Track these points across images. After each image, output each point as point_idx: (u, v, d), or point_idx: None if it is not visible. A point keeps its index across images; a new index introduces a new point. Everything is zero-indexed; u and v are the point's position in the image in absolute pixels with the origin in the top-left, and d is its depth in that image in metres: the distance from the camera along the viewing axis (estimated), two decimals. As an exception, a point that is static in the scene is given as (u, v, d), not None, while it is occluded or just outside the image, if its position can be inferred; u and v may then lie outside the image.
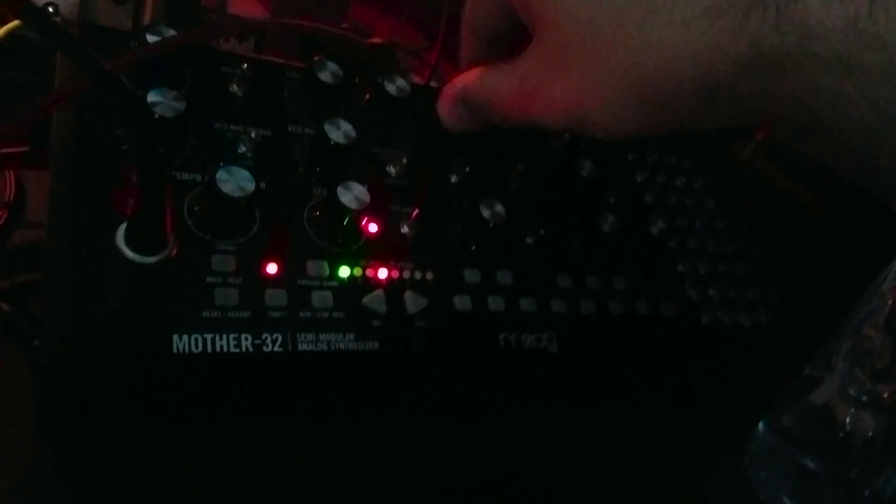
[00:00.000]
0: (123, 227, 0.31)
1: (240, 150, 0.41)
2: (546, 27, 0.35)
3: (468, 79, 0.42)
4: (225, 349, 0.34)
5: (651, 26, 0.31)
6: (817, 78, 0.29)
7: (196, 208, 0.37)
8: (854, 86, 0.28)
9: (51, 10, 0.54)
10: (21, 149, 0.49)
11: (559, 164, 0.53)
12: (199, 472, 0.39)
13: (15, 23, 0.43)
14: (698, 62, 0.31)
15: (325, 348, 0.37)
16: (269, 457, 0.40)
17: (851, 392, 0.46)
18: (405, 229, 0.44)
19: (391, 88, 0.47)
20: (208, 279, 0.36)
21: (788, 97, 0.30)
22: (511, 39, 0.41)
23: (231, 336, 0.35)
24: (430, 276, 0.43)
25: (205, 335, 0.34)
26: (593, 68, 0.34)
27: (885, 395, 0.45)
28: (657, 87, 0.32)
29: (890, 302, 0.44)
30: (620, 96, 0.33)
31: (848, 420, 0.47)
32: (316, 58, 0.44)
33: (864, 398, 0.46)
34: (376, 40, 0.79)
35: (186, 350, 0.34)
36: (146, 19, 0.57)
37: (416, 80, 0.72)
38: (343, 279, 0.40)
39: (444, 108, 0.44)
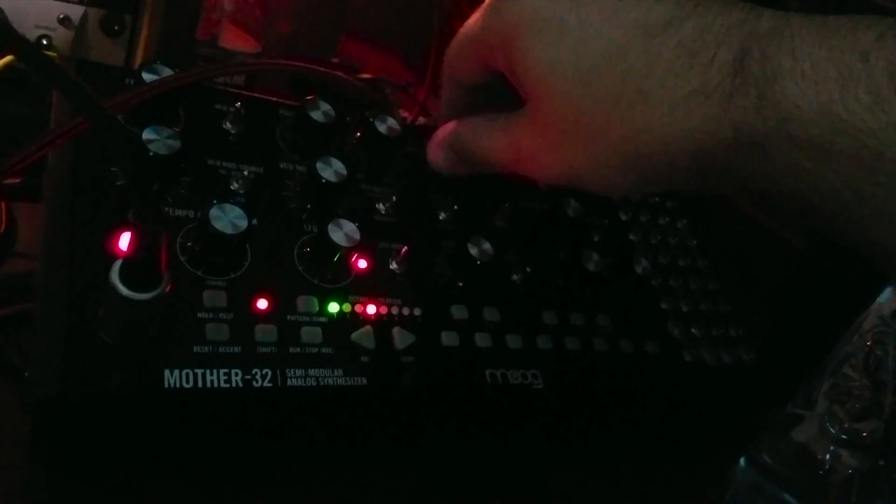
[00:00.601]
0: (118, 264, 0.31)
1: (232, 187, 0.42)
2: (539, 101, 0.36)
3: (460, 128, 0.43)
4: (215, 384, 0.35)
5: (641, 108, 0.33)
6: (797, 159, 0.30)
7: (189, 244, 0.38)
8: (830, 168, 0.29)
9: (44, 42, 0.55)
10: (13, 181, 0.49)
11: (545, 203, 0.54)
12: (190, 498, 0.39)
13: (9, 57, 0.43)
14: (687, 141, 0.32)
15: (314, 384, 0.37)
16: (258, 491, 0.41)
17: (831, 430, 0.47)
18: (394, 266, 0.44)
19: (381, 127, 0.47)
20: (199, 315, 0.36)
21: (772, 175, 0.31)
22: (495, 92, 0.42)
23: (221, 371, 0.35)
24: (417, 312, 0.43)
25: (196, 370, 0.35)
26: (588, 144, 0.35)
27: (865, 434, 0.46)
28: (650, 162, 0.34)
29: (869, 342, 0.45)
30: (615, 167, 0.35)
31: (828, 458, 0.47)
32: (309, 97, 0.45)
33: (844, 437, 0.46)
34: (366, 76, 0.80)
35: (178, 385, 0.34)
36: (139, 52, 0.58)
37: (405, 114, 0.73)
38: (332, 315, 0.40)
39: (435, 153, 0.45)
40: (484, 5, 0.39)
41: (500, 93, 0.42)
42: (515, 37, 0.36)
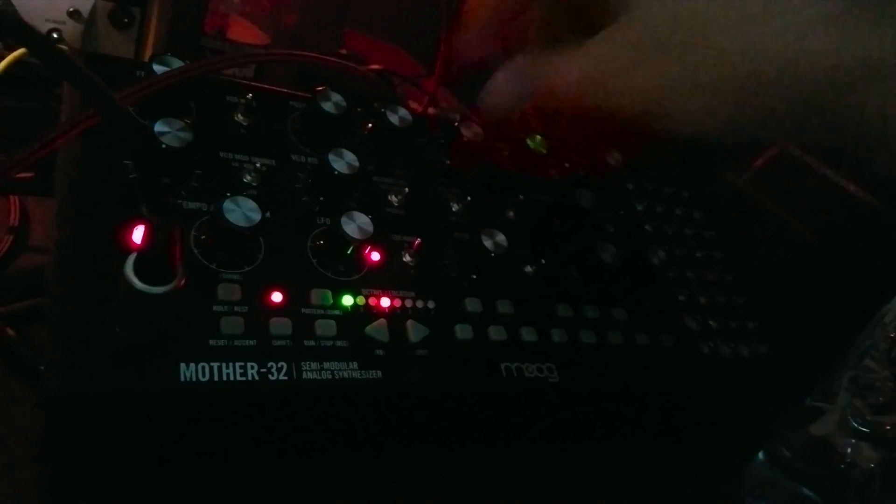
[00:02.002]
0: (133, 257, 0.31)
1: (245, 180, 0.41)
2: (629, 12, 0.34)
3: (527, 59, 0.41)
4: (231, 377, 0.34)
5: (763, 28, 0.31)
6: None
7: (202, 238, 0.38)
8: None
9: (55, 35, 0.55)
10: (26, 175, 0.49)
11: (559, 194, 0.54)
12: (205, 500, 0.39)
13: (21, 51, 0.43)
14: (810, 66, 0.30)
15: (330, 377, 0.37)
16: (274, 484, 0.40)
17: (852, 424, 0.46)
18: (407, 258, 0.44)
19: (393, 118, 0.47)
20: (214, 308, 0.36)
21: (886, 114, 0.30)
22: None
23: (237, 364, 0.35)
24: (431, 305, 0.43)
25: (211, 364, 0.34)
26: (683, 61, 0.33)
27: (887, 428, 0.46)
28: (757, 89, 0.31)
29: (892, 334, 0.45)
30: (706, 95, 0.33)
31: (848, 451, 0.47)
32: (319, 88, 0.45)
33: (865, 430, 0.46)
34: (375, 67, 0.80)
35: (193, 378, 0.34)
36: (149, 45, 0.58)
37: (414, 106, 0.73)
38: (346, 308, 0.40)
39: (498, 85, 0.42)
40: None
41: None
42: None
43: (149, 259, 0.31)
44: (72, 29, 0.56)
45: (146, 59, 0.42)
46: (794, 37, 0.30)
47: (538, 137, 0.54)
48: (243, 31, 0.73)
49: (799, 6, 0.30)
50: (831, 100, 0.30)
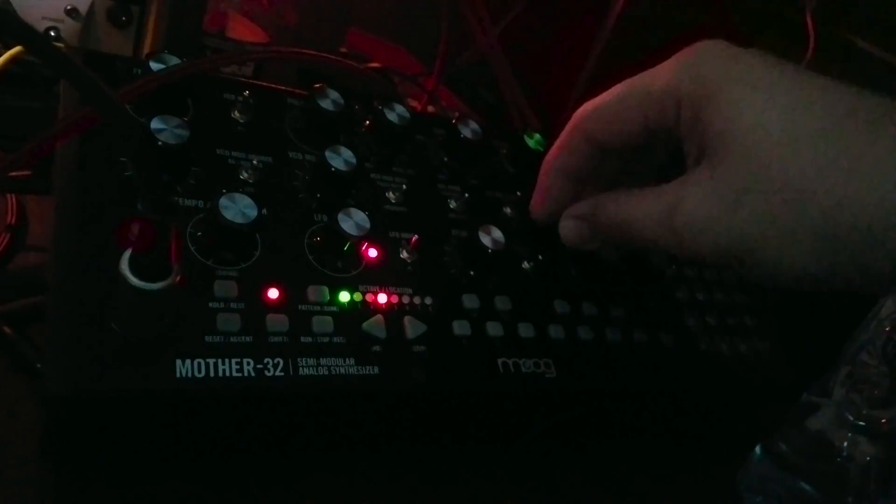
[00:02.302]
0: (128, 254, 0.31)
1: (242, 177, 0.41)
2: (726, 156, 0.35)
3: (602, 200, 0.42)
4: (227, 374, 0.35)
5: (856, 184, 0.31)
6: None
7: (199, 234, 0.38)
8: None
9: (52, 34, 0.55)
10: (24, 174, 0.49)
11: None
12: (203, 496, 0.39)
13: (17, 49, 0.43)
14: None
15: (326, 373, 0.37)
16: (271, 481, 0.40)
17: (849, 418, 0.46)
18: (404, 255, 0.44)
19: (391, 116, 0.47)
20: (210, 305, 0.36)
21: None
22: (629, 158, 0.43)
23: (233, 361, 0.35)
24: (429, 301, 0.43)
25: (207, 360, 0.34)
26: (780, 211, 0.33)
27: (883, 422, 0.46)
28: (856, 246, 0.32)
29: (888, 329, 0.45)
30: (806, 246, 0.33)
31: (845, 446, 0.47)
32: (317, 85, 0.45)
33: (862, 424, 0.46)
34: (375, 65, 0.80)
35: (189, 375, 0.34)
36: (147, 43, 0.58)
37: (414, 104, 0.73)
38: (343, 304, 0.40)
39: (568, 226, 0.44)
40: (672, 62, 0.38)
41: (636, 160, 0.43)
42: (713, 94, 0.35)
43: (145, 256, 0.31)
44: (70, 27, 0.56)
45: (144, 57, 0.42)
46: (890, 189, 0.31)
47: (536, 136, 0.54)
48: (243, 30, 0.74)
49: (886, 160, 0.31)
50: None
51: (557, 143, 0.44)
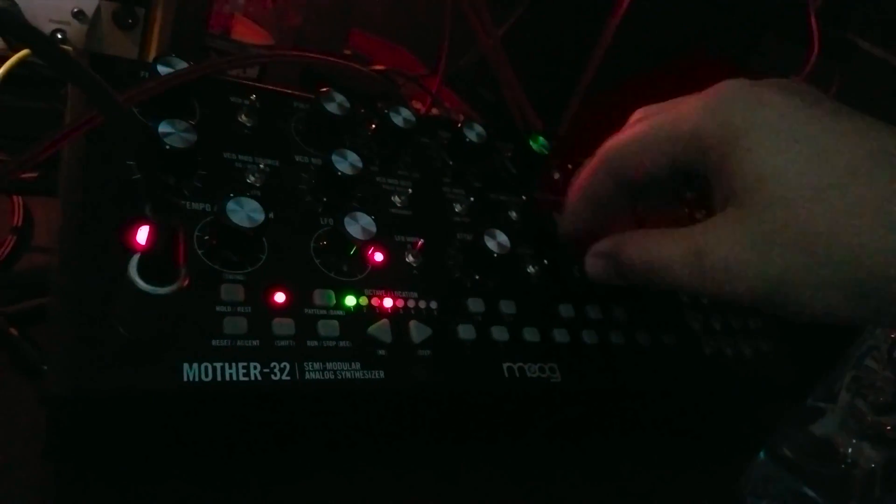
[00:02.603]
0: (136, 258, 0.31)
1: (248, 181, 0.41)
2: (754, 204, 0.35)
3: (624, 240, 0.42)
4: (234, 378, 0.35)
5: (883, 231, 0.32)
6: None
7: (206, 238, 0.38)
8: None
9: (59, 36, 0.55)
10: (30, 175, 0.49)
11: (560, 193, 0.54)
12: (204, 497, 0.39)
13: (25, 51, 0.43)
14: None
15: (332, 377, 0.37)
16: (276, 485, 0.40)
17: (853, 424, 0.46)
18: (410, 259, 0.44)
19: (396, 119, 0.47)
20: (217, 308, 0.36)
21: None
22: (653, 194, 0.43)
23: (240, 365, 0.35)
24: (434, 305, 0.43)
25: (214, 364, 0.34)
26: (811, 259, 0.33)
27: (888, 428, 0.46)
28: (882, 286, 0.32)
29: (893, 334, 0.45)
30: (839, 292, 0.33)
31: (850, 452, 0.47)
32: (323, 89, 0.45)
33: (867, 430, 0.46)
34: (378, 67, 0.80)
35: (196, 379, 0.34)
36: (153, 45, 0.58)
37: (417, 106, 0.73)
38: (349, 308, 0.40)
39: (594, 264, 0.45)
40: (697, 103, 0.38)
41: (660, 196, 0.43)
42: (738, 139, 0.36)
43: (152, 260, 0.31)
44: (76, 29, 0.56)
45: (150, 59, 0.42)
46: None
47: (540, 138, 0.54)
48: (247, 32, 0.74)
49: None
50: None
51: (584, 171, 0.45)
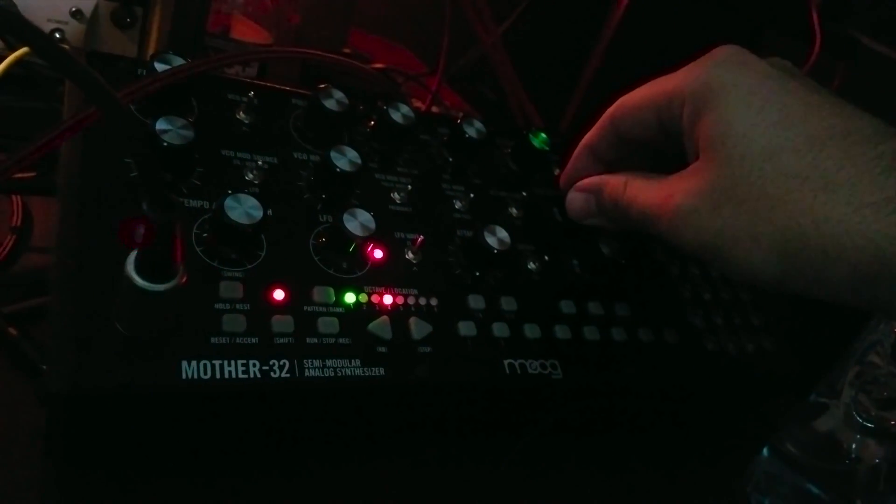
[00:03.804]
0: (134, 255, 0.31)
1: (247, 178, 0.41)
2: (713, 163, 0.37)
3: (609, 178, 0.45)
4: (233, 375, 0.34)
5: (823, 199, 0.33)
6: None
7: (204, 235, 0.38)
8: None
9: (57, 35, 0.55)
10: (28, 175, 0.49)
11: (560, 189, 0.54)
12: (207, 496, 0.39)
13: (23, 50, 0.43)
14: (863, 243, 0.32)
15: (332, 374, 0.37)
16: (275, 483, 0.40)
17: (857, 419, 0.46)
18: (409, 256, 0.44)
19: (395, 116, 0.47)
20: (216, 306, 0.36)
21: None
22: (647, 153, 0.45)
23: (239, 362, 0.35)
24: (434, 302, 0.43)
25: (213, 361, 0.34)
26: (752, 216, 0.35)
27: (892, 423, 0.45)
28: (813, 256, 0.34)
29: (896, 329, 0.45)
30: (770, 251, 0.35)
31: (854, 447, 0.47)
32: (322, 86, 0.45)
33: (870, 425, 0.46)
34: (378, 65, 0.80)
35: (195, 376, 0.33)
36: (151, 45, 0.58)
37: (418, 105, 0.73)
38: (349, 305, 0.40)
39: (575, 198, 0.48)
40: (692, 64, 0.40)
41: (652, 156, 0.45)
42: (712, 98, 0.38)
43: (149, 256, 0.31)
44: (74, 29, 0.56)
45: (149, 58, 0.42)
46: (857, 220, 0.32)
47: (542, 135, 0.54)
48: (247, 31, 0.73)
49: (864, 190, 0.32)
50: (886, 277, 0.32)
51: (595, 125, 0.47)
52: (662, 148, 0.44)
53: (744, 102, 0.36)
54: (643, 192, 0.41)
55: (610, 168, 0.47)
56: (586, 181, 0.47)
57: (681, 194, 0.38)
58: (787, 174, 0.34)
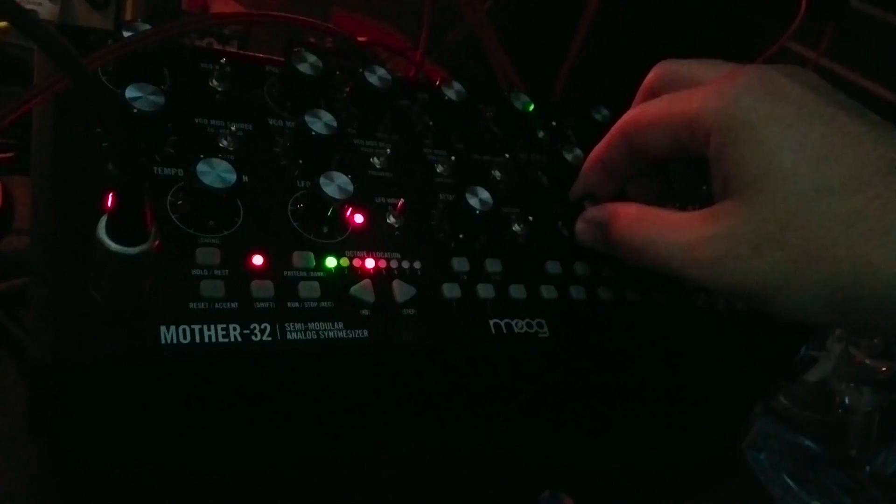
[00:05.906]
0: (104, 219, 0.31)
1: (221, 145, 0.41)
2: (754, 199, 0.35)
3: (617, 211, 0.42)
4: (213, 339, 0.34)
5: (876, 243, 0.32)
6: None
7: (179, 202, 0.37)
8: None
9: (32, 17, 0.55)
10: (7, 155, 0.48)
11: (545, 151, 0.53)
12: (191, 467, 0.38)
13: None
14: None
15: (315, 337, 0.37)
16: (258, 449, 0.40)
17: (847, 369, 0.46)
18: (391, 220, 0.43)
19: (372, 79, 0.46)
20: (194, 272, 0.36)
21: None
22: (663, 170, 0.44)
23: (219, 327, 0.35)
24: (417, 265, 0.42)
25: (192, 326, 0.34)
26: (800, 261, 0.34)
27: (883, 370, 0.45)
28: (862, 301, 0.33)
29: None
30: (817, 296, 0.34)
31: (846, 398, 0.46)
32: (295, 49, 0.44)
33: (860, 375, 0.45)
34: (362, 39, 0.79)
35: (174, 341, 0.33)
36: (126, 24, 0.58)
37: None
38: (330, 270, 0.40)
39: (582, 229, 0.45)
40: (715, 87, 0.38)
41: (665, 171, 0.44)
42: (744, 131, 0.36)
43: (119, 219, 0.30)
44: (48, 10, 0.55)
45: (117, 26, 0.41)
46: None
47: (523, 96, 0.54)
48: (226, 9, 0.73)
49: None
50: None
51: (604, 138, 0.45)
52: (678, 161, 0.43)
53: (785, 136, 0.34)
54: (663, 232, 0.39)
55: (622, 182, 0.46)
56: (593, 211, 0.45)
57: (717, 238, 0.36)
58: (835, 216, 0.33)
